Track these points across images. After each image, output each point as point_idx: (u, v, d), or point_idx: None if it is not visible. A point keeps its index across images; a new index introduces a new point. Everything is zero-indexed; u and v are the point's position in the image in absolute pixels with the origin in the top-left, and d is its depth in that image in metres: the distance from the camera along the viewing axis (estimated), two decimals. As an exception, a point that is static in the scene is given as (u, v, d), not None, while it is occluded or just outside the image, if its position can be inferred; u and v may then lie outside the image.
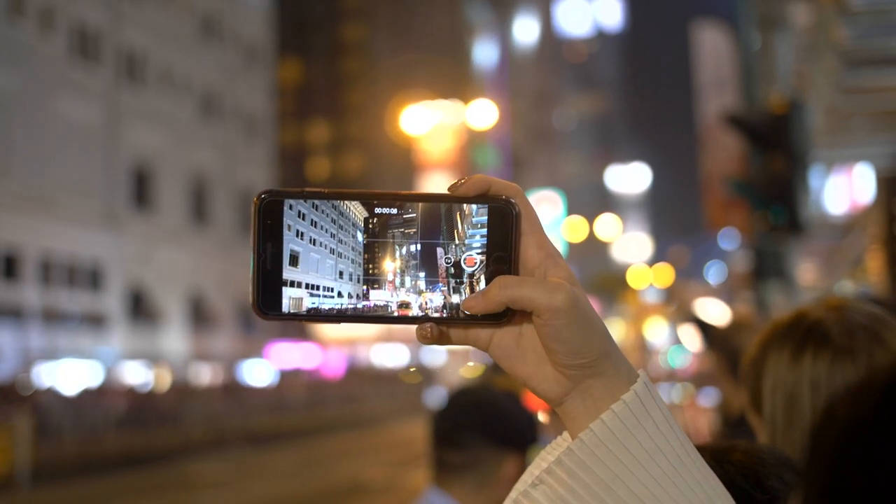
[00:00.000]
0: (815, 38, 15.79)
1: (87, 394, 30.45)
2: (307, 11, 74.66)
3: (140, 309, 45.13)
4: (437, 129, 49.52)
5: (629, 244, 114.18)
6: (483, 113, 52.03)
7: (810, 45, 16.43)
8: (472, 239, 0.95)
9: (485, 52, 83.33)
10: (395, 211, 0.95)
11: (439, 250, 0.95)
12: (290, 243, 0.95)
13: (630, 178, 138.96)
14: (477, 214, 0.95)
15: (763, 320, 11.71)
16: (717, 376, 5.08)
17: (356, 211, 0.96)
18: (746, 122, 10.32)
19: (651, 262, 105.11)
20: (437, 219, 0.95)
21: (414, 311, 0.95)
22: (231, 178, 53.53)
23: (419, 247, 0.95)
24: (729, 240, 42.92)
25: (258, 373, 46.55)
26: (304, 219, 0.95)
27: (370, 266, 0.96)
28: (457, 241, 0.95)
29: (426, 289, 0.95)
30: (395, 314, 0.96)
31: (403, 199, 0.95)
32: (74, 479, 20.85)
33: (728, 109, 16.90)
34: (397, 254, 0.95)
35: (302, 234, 0.95)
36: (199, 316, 49.80)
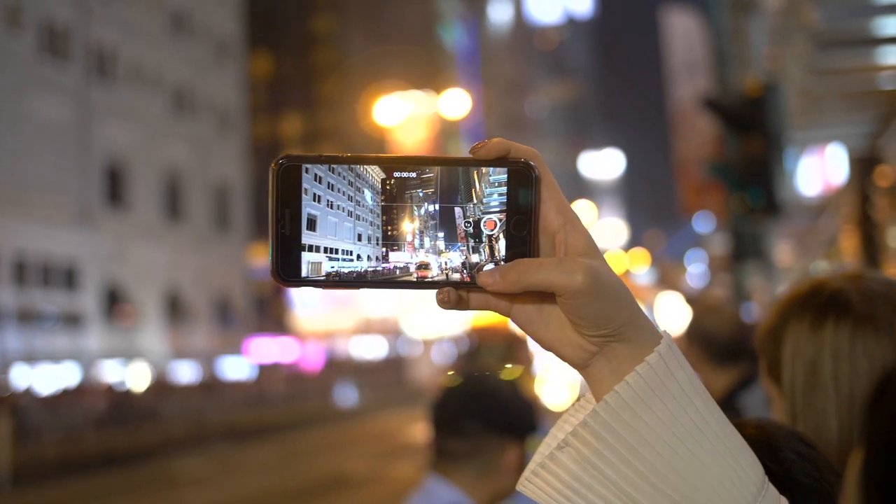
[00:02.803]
0: (787, 20, 15.85)
1: (65, 394, 30.29)
2: (277, 4, 74.34)
3: (116, 307, 44.90)
4: (410, 119, 49.41)
5: (604, 230, 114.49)
6: (456, 102, 51.96)
7: (782, 27, 16.49)
8: (490, 198, 0.94)
9: (456, 42, 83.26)
10: (413, 174, 0.95)
11: (457, 210, 0.95)
12: (307, 207, 0.94)
13: (604, 164, 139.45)
14: (495, 173, 0.94)
15: (741, 301, 11.78)
16: (690, 361, 5.06)
17: (374, 174, 0.95)
18: (722, 105, 10.37)
19: (627, 248, 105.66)
20: (455, 179, 0.95)
21: (434, 272, 0.95)
22: (205, 173, 53.30)
23: (438, 207, 0.95)
24: (704, 223, 43.11)
25: (237, 368, 46.46)
26: (321, 182, 0.95)
27: (389, 228, 0.95)
28: (475, 201, 0.95)
29: (445, 249, 0.95)
30: (415, 277, 0.95)
31: (422, 163, 0.95)
32: (55, 479, 20.73)
33: (703, 93, 16.97)
34: (416, 215, 0.95)
35: (319, 197, 0.95)
36: (177, 313, 49.60)
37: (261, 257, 68.40)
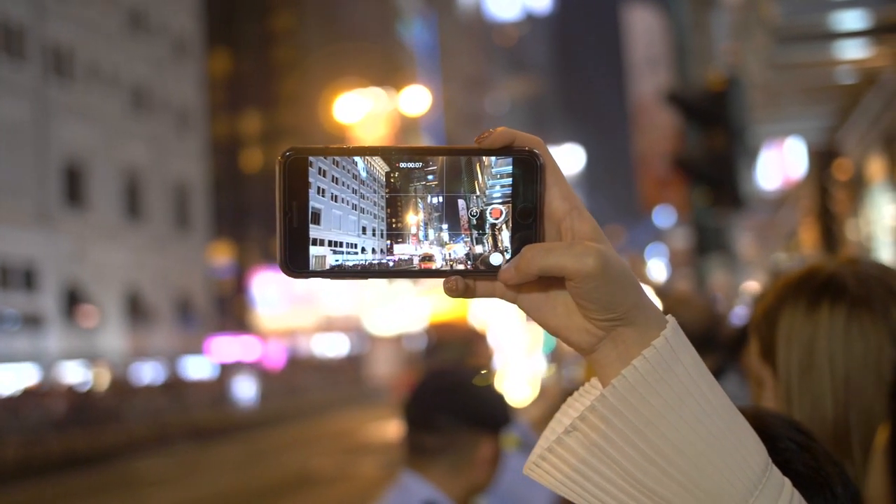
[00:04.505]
0: (747, 15, 15.97)
1: (25, 395, 30.04)
2: (236, 2, 73.96)
3: (76, 308, 44.49)
4: (369, 116, 49.30)
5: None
6: (415, 99, 51.88)
7: (741, 22, 16.62)
8: (492, 189, 0.95)
9: (415, 38, 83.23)
10: (416, 165, 0.95)
11: (461, 202, 0.95)
12: (312, 201, 0.95)
13: (564, 159, 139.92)
14: (496, 165, 0.95)
15: (704, 294, 11.84)
16: None
17: (377, 166, 0.95)
18: (686, 99, 10.43)
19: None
20: (458, 171, 0.95)
21: (438, 264, 0.96)
22: (164, 172, 52.93)
23: (441, 199, 0.95)
24: (664, 217, 43.38)
25: (199, 367, 46.25)
26: (325, 175, 0.95)
27: (393, 220, 0.96)
28: (478, 193, 0.95)
29: (449, 240, 0.95)
30: (419, 268, 0.96)
31: (427, 154, 0.95)
32: (16, 482, 20.53)
33: (664, 88, 17.07)
34: (420, 207, 0.95)
35: (324, 190, 0.95)
36: (137, 313, 49.24)
37: (222, 256, 68.11)
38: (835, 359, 1.64)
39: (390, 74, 67.60)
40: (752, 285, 22.68)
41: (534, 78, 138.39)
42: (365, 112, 46.98)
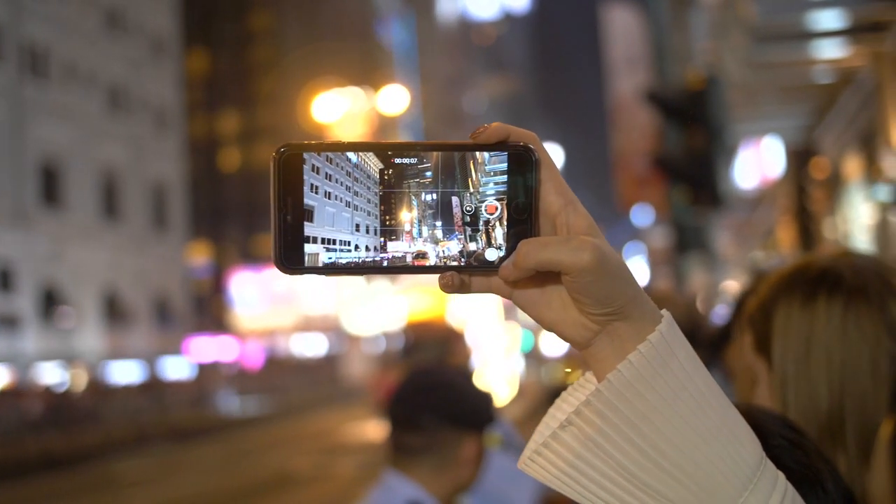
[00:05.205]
0: (724, 14, 16.04)
1: (1, 396, 29.88)
2: (214, 1, 73.74)
3: (53, 308, 44.26)
4: (348, 115, 49.21)
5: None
6: (394, 98, 51.82)
7: (719, 21, 16.69)
8: (486, 187, 0.95)
9: (393, 38, 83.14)
10: (410, 161, 0.95)
11: (454, 199, 0.95)
12: (306, 198, 0.94)
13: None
14: (490, 162, 0.95)
15: (684, 292, 11.88)
16: None
17: (371, 163, 0.95)
18: (665, 98, 10.46)
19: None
20: (452, 167, 0.95)
21: (432, 261, 0.95)
22: (142, 171, 52.71)
23: (435, 196, 0.95)
24: (642, 216, 43.45)
25: (177, 368, 46.09)
26: (318, 172, 0.94)
27: (387, 217, 0.95)
28: (471, 190, 0.95)
29: (443, 238, 0.95)
30: (413, 265, 0.95)
31: (423, 149, 0.95)
32: (-6, 483, 20.44)
33: (643, 87, 17.12)
34: (413, 204, 0.95)
35: (317, 187, 0.94)
36: (115, 313, 49.02)
37: (200, 256, 67.88)
38: (831, 350, 1.65)
39: (369, 74, 67.50)
40: (732, 285, 22.77)
41: (512, 77, 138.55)
42: (343, 111, 46.87)
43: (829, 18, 12.76)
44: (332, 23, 73.63)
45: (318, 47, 70.25)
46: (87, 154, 47.87)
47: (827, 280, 1.71)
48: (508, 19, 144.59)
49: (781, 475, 0.96)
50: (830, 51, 14.00)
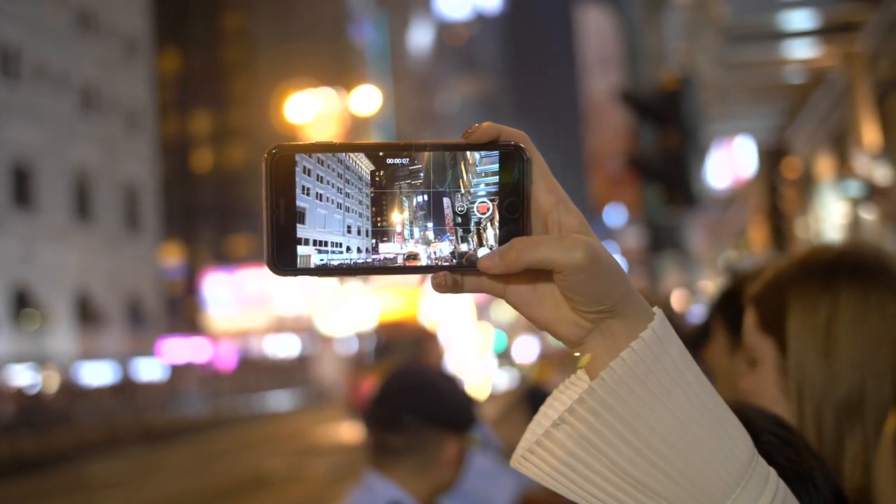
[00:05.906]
0: (697, 14, 16.12)
1: (-28, 399, 29.65)
2: (186, 1, 73.40)
3: (25, 311, 43.94)
4: (320, 116, 49.14)
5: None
6: (366, 99, 51.81)
7: (692, 21, 16.76)
8: (477, 187, 0.95)
9: (366, 38, 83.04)
10: (401, 162, 0.94)
11: (445, 199, 0.95)
12: (298, 200, 0.94)
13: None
14: (481, 163, 0.95)
15: (658, 292, 11.94)
16: None
17: (362, 164, 0.94)
18: (639, 98, 10.49)
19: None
20: (443, 168, 0.95)
21: (423, 262, 0.95)
22: (114, 172, 52.38)
23: (426, 197, 0.95)
24: (615, 216, 43.62)
25: (150, 369, 45.87)
26: (309, 174, 0.94)
27: (378, 219, 0.95)
28: (462, 190, 0.95)
29: (435, 238, 0.95)
30: (405, 266, 0.95)
31: (414, 149, 0.95)
32: (-35, 486, 20.28)
33: (617, 87, 17.17)
34: (405, 205, 0.95)
35: (308, 189, 0.94)
36: (87, 315, 48.70)
37: (172, 257, 67.56)
38: (854, 331, 1.66)
39: (341, 75, 67.44)
40: (707, 285, 22.87)
41: (484, 77, 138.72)
42: (316, 112, 46.80)
43: (800, 19, 12.85)
44: (304, 23, 73.47)
45: (290, 48, 70.08)
46: (59, 155, 47.52)
47: (846, 264, 1.72)
48: (481, 20, 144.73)
49: (773, 472, 0.97)
50: (802, 51, 14.09)
